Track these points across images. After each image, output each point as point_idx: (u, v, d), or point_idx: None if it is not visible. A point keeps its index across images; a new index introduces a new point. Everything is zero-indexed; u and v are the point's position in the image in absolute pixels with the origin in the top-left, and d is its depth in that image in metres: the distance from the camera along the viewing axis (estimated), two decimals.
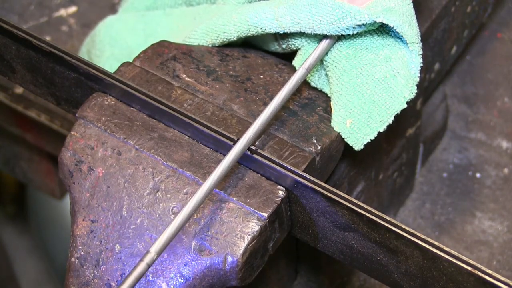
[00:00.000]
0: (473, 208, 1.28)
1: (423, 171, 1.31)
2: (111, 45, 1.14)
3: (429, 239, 0.84)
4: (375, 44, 0.98)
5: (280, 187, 0.91)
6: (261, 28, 0.99)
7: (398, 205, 1.27)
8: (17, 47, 1.01)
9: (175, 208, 0.91)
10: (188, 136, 0.95)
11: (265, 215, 0.89)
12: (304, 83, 1.01)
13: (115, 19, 1.15)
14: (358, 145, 0.97)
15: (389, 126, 0.98)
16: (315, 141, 0.95)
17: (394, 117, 0.97)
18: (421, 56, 0.96)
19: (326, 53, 0.98)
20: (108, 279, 0.91)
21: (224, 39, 1.03)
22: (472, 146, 1.33)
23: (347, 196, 0.87)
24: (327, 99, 1.00)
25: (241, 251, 0.88)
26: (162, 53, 1.02)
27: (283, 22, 0.98)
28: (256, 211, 0.89)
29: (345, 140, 0.97)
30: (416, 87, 0.96)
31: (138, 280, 0.80)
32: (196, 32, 1.05)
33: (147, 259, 0.81)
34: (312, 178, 0.89)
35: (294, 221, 0.94)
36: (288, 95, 0.93)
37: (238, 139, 0.90)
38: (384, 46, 0.97)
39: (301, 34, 1.00)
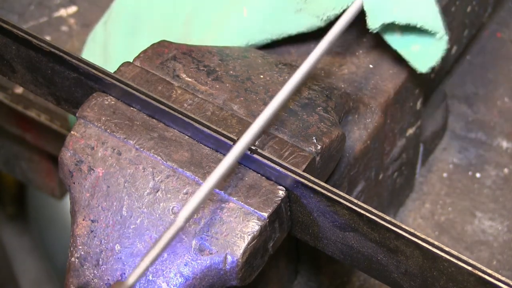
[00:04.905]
0: (473, 208, 1.28)
1: (423, 171, 1.31)
2: (129, 17, 1.13)
3: (429, 239, 0.84)
4: None
5: (280, 187, 0.91)
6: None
7: (398, 205, 1.27)
8: (17, 47, 1.01)
9: (175, 208, 0.91)
10: (188, 136, 0.95)
11: (265, 215, 0.89)
12: (304, 83, 1.01)
13: None
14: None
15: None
16: (315, 141, 0.95)
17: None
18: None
19: None
20: (108, 279, 0.91)
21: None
22: (472, 146, 1.33)
23: (347, 196, 0.87)
24: (327, 99, 1.00)
25: (241, 251, 0.88)
26: (162, 53, 1.02)
27: None
28: (256, 211, 0.89)
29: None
30: None
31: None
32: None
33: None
34: (312, 178, 0.89)
35: (294, 221, 0.94)
36: (288, 95, 0.93)
37: (238, 139, 0.90)
38: None
39: None
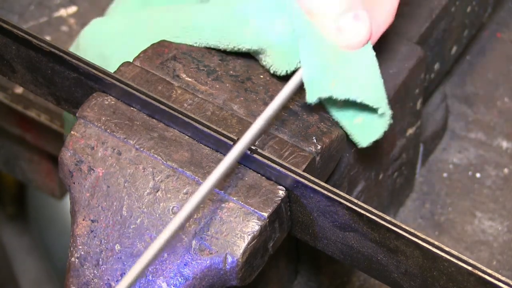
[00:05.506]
0: (473, 208, 1.28)
1: (423, 171, 1.31)
2: (95, 50, 1.10)
3: (429, 239, 0.84)
4: None
5: (280, 187, 0.91)
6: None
7: (398, 205, 1.27)
8: (17, 47, 1.01)
9: (175, 208, 0.91)
10: (188, 136, 0.95)
11: (265, 215, 0.89)
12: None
13: (101, 22, 1.12)
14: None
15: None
16: (315, 140, 0.95)
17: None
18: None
19: None
20: (108, 279, 0.91)
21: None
22: (472, 146, 1.33)
23: (347, 196, 0.87)
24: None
25: (241, 251, 0.88)
26: (162, 53, 1.02)
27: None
28: (256, 210, 0.89)
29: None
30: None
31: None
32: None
33: None
34: (312, 178, 0.89)
35: (294, 221, 0.94)
36: (289, 95, 0.93)
37: (238, 139, 0.90)
38: None
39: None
